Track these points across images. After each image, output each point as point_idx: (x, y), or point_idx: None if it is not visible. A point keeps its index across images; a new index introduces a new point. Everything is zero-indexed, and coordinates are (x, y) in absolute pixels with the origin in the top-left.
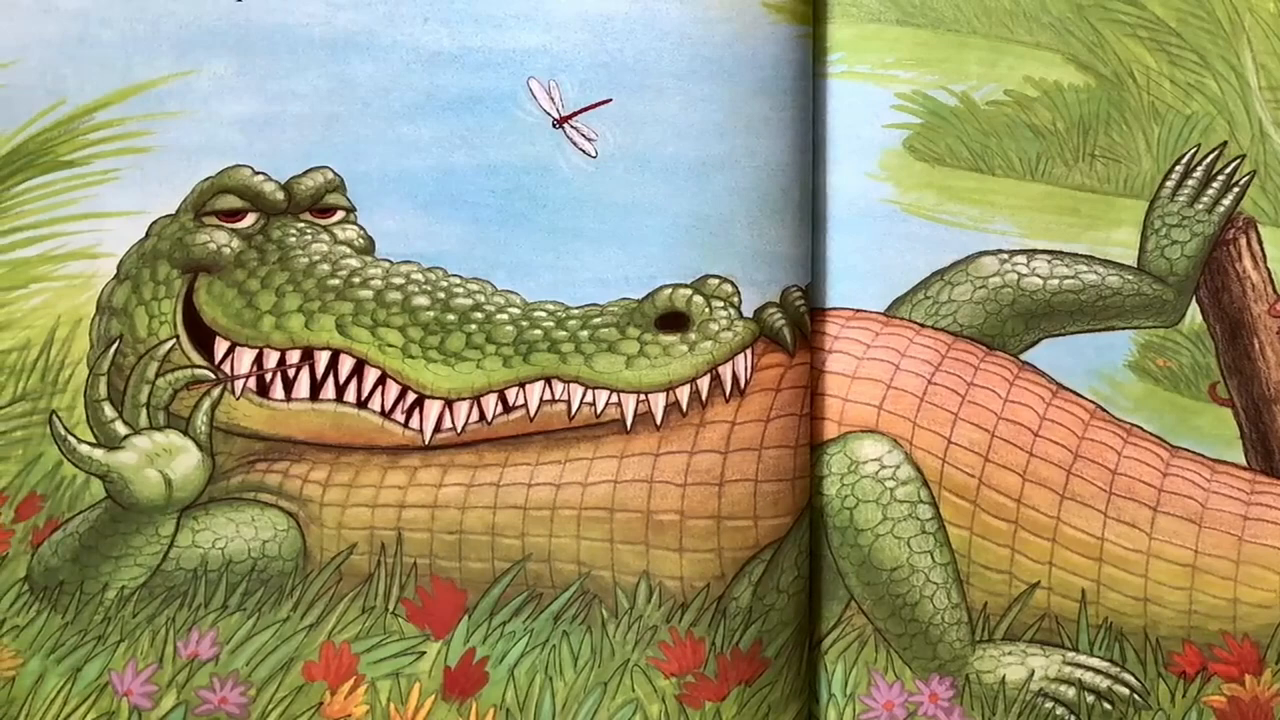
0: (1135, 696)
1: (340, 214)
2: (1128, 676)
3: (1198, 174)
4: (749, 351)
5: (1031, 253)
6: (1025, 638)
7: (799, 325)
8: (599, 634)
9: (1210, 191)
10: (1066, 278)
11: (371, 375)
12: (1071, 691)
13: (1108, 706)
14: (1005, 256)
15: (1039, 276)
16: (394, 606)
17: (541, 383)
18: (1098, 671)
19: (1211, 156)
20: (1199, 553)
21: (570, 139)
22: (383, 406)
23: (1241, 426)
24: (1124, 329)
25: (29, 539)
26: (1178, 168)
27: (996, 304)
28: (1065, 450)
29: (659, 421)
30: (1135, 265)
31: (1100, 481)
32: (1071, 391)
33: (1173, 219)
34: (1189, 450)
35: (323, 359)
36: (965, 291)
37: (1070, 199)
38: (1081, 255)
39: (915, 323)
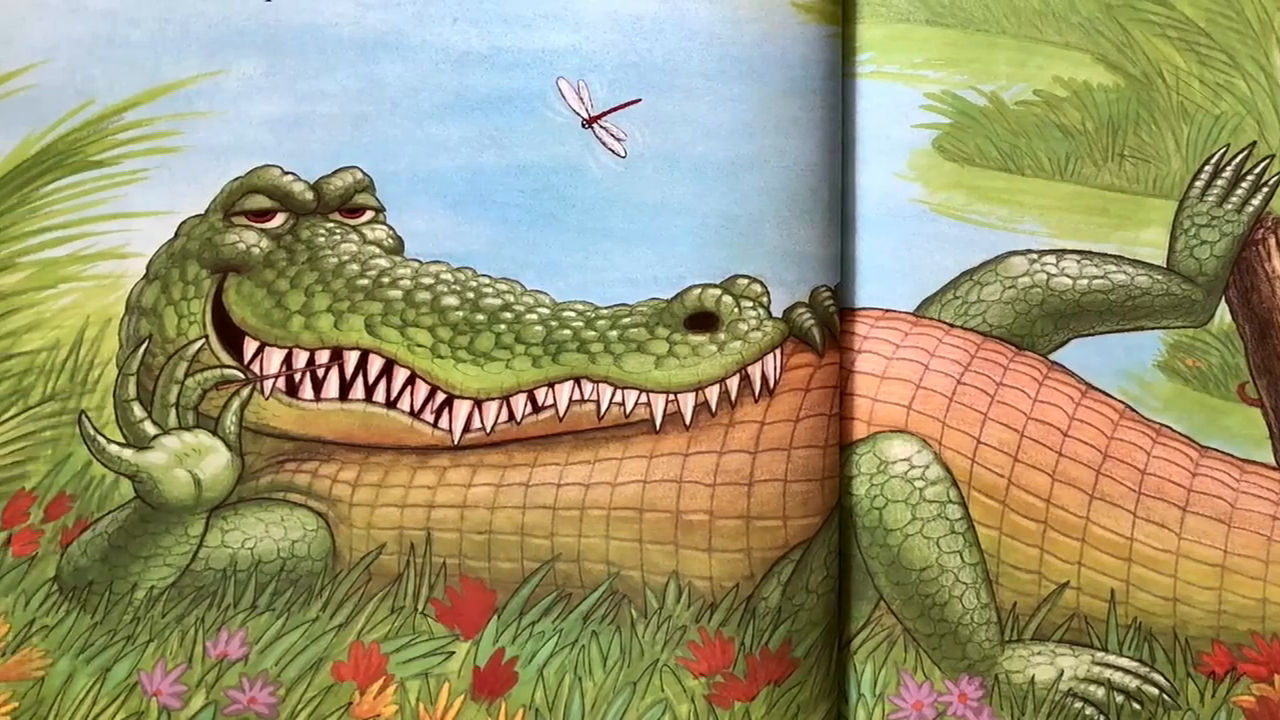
0: (1164, 696)
1: (369, 214)
2: (1157, 676)
3: (1227, 174)
4: (778, 351)
5: (1061, 253)
6: (1054, 638)
7: (828, 325)
8: (628, 634)
9: (1239, 191)
10: (1096, 278)
11: (400, 375)
12: (1101, 691)
13: (1137, 706)
14: (1034, 256)
15: (1068, 276)
16: (423, 606)
17: (570, 383)
18: (1127, 671)
19: (1241, 156)
20: (1228, 553)
21: (599, 139)
22: (412, 406)
23: (1271, 426)
24: (1153, 329)
25: (58, 539)
26: (1207, 168)
27: (1026, 304)
28: (1094, 450)
29: (688, 421)
30: (1164, 265)
31: (1129, 481)
32: (1100, 391)
33: (1202, 219)
34: (1218, 450)
35: (352, 359)
36: (994, 291)
37: (1099, 199)
38: (1110, 255)
39: (944, 323)
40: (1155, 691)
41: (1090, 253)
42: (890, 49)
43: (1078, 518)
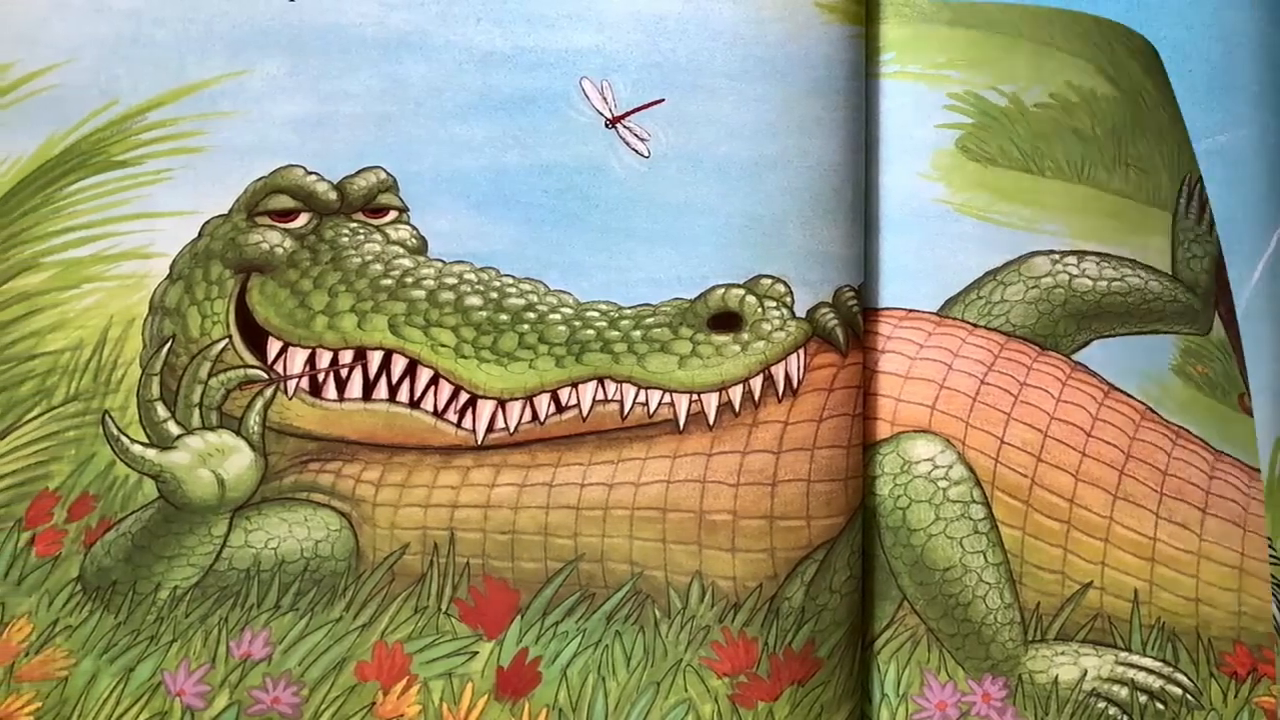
0: (1188, 696)
1: (393, 214)
2: (1180, 676)
3: (1197, 194)
4: (802, 351)
5: (1081, 254)
6: (1078, 638)
7: (852, 325)
8: (651, 634)
9: (1209, 212)
10: (1114, 280)
11: (424, 375)
12: (1124, 691)
13: (1160, 706)
14: (1056, 257)
15: (1089, 278)
16: (447, 606)
17: (594, 383)
18: (1150, 671)
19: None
20: (1245, 555)
21: (623, 139)
22: (435, 406)
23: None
24: (1166, 333)
25: (82, 539)
26: (1184, 186)
27: (1049, 304)
28: (1117, 450)
29: (712, 421)
30: (1170, 273)
31: (1151, 482)
32: (1122, 392)
33: (1190, 233)
34: (1229, 455)
35: (375, 359)
36: (1018, 291)
37: (1113, 204)
38: (1126, 259)
39: (968, 323)
40: (1179, 691)
41: (1108, 255)
42: (913, 49)
43: (1101, 517)
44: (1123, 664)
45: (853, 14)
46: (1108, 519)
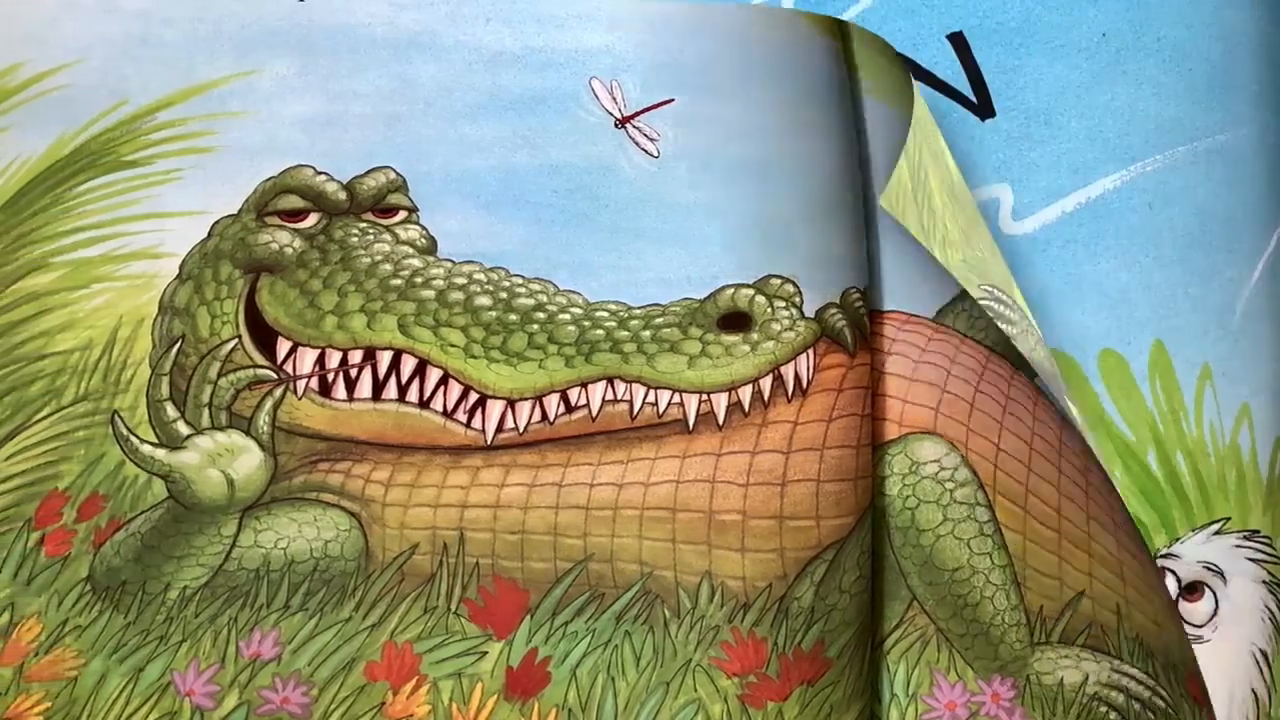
0: (1169, 710)
1: (402, 214)
2: (1161, 690)
3: None
4: (811, 351)
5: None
6: (1077, 643)
7: (859, 326)
8: (661, 634)
9: None
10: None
11: (434, 375)
12: (1122, 698)
13: (1151, 716)
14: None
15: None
16: (456, 606)
17: (604, 383)
18: (1139, 681)
19: None
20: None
21: (633, 139)
22: (445, 406)
23: None
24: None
25: (91, 539)
26: None
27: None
28: (1081, 475)
29: (721, 421)
30: None
31: (1109, 509)
32: (1073, 426)
33: None
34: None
35: (385, 359)
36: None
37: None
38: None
39: (959, 332)
40: (1163, 705)
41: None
42: (873, 71)
43: (1082, 532)
44: (1117, 671)
45: (829, 28)
46: (1087, 534)
